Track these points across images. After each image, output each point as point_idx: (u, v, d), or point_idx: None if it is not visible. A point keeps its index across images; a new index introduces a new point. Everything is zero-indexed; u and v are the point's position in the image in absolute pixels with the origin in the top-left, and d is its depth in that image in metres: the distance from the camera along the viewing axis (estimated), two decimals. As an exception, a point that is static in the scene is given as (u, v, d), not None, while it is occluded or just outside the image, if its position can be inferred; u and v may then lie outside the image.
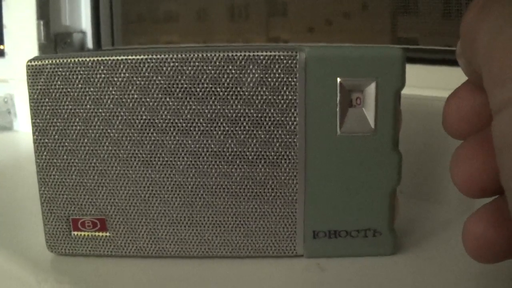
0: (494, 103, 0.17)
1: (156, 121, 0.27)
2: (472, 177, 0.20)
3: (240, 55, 0.26)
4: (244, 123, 0.27)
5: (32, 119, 0.28)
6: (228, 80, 0.27)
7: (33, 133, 0.28)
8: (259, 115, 0.27)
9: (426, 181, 0.38)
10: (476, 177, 0.20)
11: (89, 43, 0.65)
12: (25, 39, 0.60)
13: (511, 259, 0.21)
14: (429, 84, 0.41)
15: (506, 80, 0.16)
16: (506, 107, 0.16)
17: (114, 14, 0.66)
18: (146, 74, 0.27)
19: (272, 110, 0.27)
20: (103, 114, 0.27)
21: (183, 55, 0.27)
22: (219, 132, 0.27)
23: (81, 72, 0.27)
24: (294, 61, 0.26)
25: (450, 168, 0.21)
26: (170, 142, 0.27)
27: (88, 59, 0.27)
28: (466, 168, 0.20)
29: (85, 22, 0.65)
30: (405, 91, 0.27)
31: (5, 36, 0.62)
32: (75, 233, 0.29)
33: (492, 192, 0.21)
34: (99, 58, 0.27)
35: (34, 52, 0.60)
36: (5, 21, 0.62)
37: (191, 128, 0.27)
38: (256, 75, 0.27)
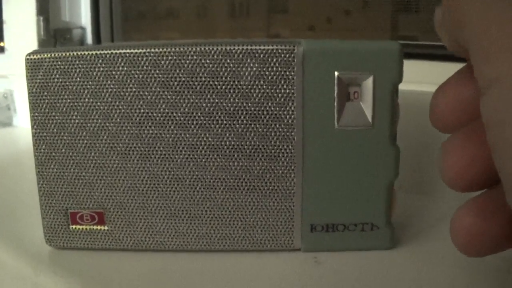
0: (483, 79, 0.16)
1: (154, 114, 0.27)
2: (460, 170, 0.20)
3: (238, 49, 0.26)
4: (242, 117, 0.27)
5: (31, 112, 0.28)
6: (226, 74, 0.27)
7: (32, 127, 0.28)
8: (257, 108, 0.27)
9: (424, 175, 0.38)
10: (464, 170, 0.20)
11: (89, 39, 0.65)
12: (25, 35, 0.60)
13: (500, 252, 0.21)
14: (428, 79, 0.41)
15: (497, 55, 0.16)
16: (497, 82, 0.16)
17: (113, 10, 0.66)
18: (144, 67, 0.27)
19: (269, 104, 0.27)
20: (101, 107, 0.27)
21: (181, 49, 0.27)
22: (217, 126, 0.27)
23: (80, 66, 0.27)
24: (292, 55, 0.26)
25: (439, 162, 0.21)
26: (168, 135, 0.27)
27: (86, 53, 0.27)
28: (454, 161, 0.20)
29: (85, 18, 0.65)
30: (404, 87, 0.27)
31: (5, 32, 0.62)
32: (73, 226, 0.29)
33: (480, 186, 0.20)
34: (98, 52, 0.27)
35: (33, 48, 0.60)
36: (5, 17, 0.62)
37: (189, 122, 0.27)
38: (254, 68, 0.27)
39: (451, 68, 0.41)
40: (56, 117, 0.28)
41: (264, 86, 0.27)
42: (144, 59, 0.27)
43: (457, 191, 0.21)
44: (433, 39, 0.46)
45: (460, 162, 0.20)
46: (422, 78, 0.40)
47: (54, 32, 0.61)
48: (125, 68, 0.27)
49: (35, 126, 0.28)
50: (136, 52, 0.27)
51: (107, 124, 0.28)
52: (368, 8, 0.53)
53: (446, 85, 0.22)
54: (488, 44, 0.16)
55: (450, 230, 0.21)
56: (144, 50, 0.27)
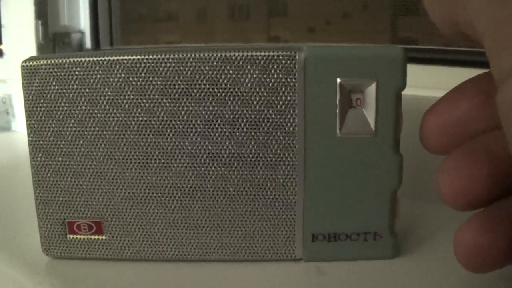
0: (502, 67, 0.16)
1: (153, 122, 0.27)
2: (461, 189, 0.20)
3: (238, 55, 0.26)
4: (242, 125, 0.27)
5: (27, 120, 0.28)
6: (225, 81, 0.26)
7: (28, 135, 0.28)
8: (257, 116, 0.26)
9: (427, 183, 0.37)
10: (465, 189, 0.20)
11: (88, 43, 0.65)
12: (23, 39, 0.60)
13: (504, 267, 0.21)
14: (428, 84, 0.40)
15: None
16: None
17: (112, 14, 0.66)
18: (143, 74, 0.26)
19: (270, 111, 0.26)
20: (98, 115, 0.27)
21: (180, 55, 0.26)
22: (217, 134, 0.27)
23: (77, 73, 0.27)
24: (293, 61, 0.26)
25: (438, 181, 0.21)
26: (166, 143, 0.27)
27: (83, 60, 0.27)
28: (455, 180, 0.20)
29: (84, 22, 0.64)
30: (406, 92, 0.27)
31: (3, 36, 0.62)
32: (71, 236, 0.29)
33: (480, 204, 0.20)
34: (95, 59, 0.27)
35: (32, 52, 0.60)
36: (3, 21, 0.62)
37: (188, 130, 0.27)
38: (254, 75, 0.26)
39: (451, 72, 0.41)
40: (53, 125, 0.27)
41: (265, 93, 0.26)
42: (142, 65, 0.26)
43: (457, 210, 0.21)
44: (433, 42, 0.46)
45: (460, 180, 0.20)
46: (422, 82, 0.40)
47: (52, 36, 0.61)
48: (123, 75, 0.26)
49: (32, 134, 0.28)
50: (134, 59, 0.26)
51: (105, 132, 0.27)
52: (368, 10, 0.53)
53: (435, 108, 0.22)
54: (510, 32, 0.15)
55: (453, 247, 0.21)
56: (142, 57, 0.26)
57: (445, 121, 0.21)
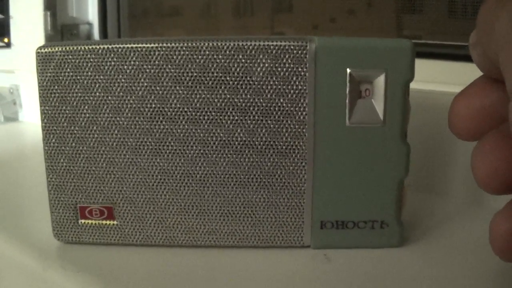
0: None
1: (166, 109, 0.27)
2: (497, 172, 0.20)
3: (251, 44, 0.26)
4: (254, 113, 0.27)
5: (41, 106, 0.28)
6: (238, 70, 0.27)
7: (42, 120, 0.28)
8: (269, 104, 0.27)
9: (433, 173, 0.38)
10: (501, 172, 0.19)
11: (96, 35, 0.65)
12: (31, 30, 0.60)
13: None
14: (434, 78, 0.41)
15: None
16: None
17: (121, 6, 0.66)
18: (156, 62, 0.27)
19: (281, 100, 0.27)
20: (112, 102, 0.27)
21: (194, 44, 0.27)
22: (228, 121, 0.27)
23: (91, 60, 0.27)
24: (304, 51, 0.26)
25: (472, 163, 0.20)
26: (179, 130, 0.27)
27: (98, 47, 0.27)
28: (490, 162, 0.20)
29: (92, 14, 0.65)
30: (413, 86, 0.27)
31: (12, 27, 0.62)
32: (82, 221, 0.29)
33: None
34: (110, 46, 0.27)
35: (40, 43, 0.60)
36: (12, 11, 0.62)
37: (201, 117, 0.27)
38: (266, 64, 0.27)
39: (455, 67, 0.41)
40: (67, 111, 0.28)
41: (276, 82, 0.27)
42: (156, 53, 0.27)
43: (491, 194, 0.20)
44: (438, 38, 0.46)
45: (496, 163, 0.19)
46: (428, 77, 0.40)
47: (61, 28, 0.61)
48: (137, 63, 0.27)
49: (45, 120, 0.28)
50: (148, 47, 0.27)
51: (118, 118, 0.28)
52: (372, 8, 0.53)
53: (467, 92, 0.22)
54: None
55: (489, 237, 0.20)
56: (156, 45, 0.27)
57: (476, 104, 0.21)
